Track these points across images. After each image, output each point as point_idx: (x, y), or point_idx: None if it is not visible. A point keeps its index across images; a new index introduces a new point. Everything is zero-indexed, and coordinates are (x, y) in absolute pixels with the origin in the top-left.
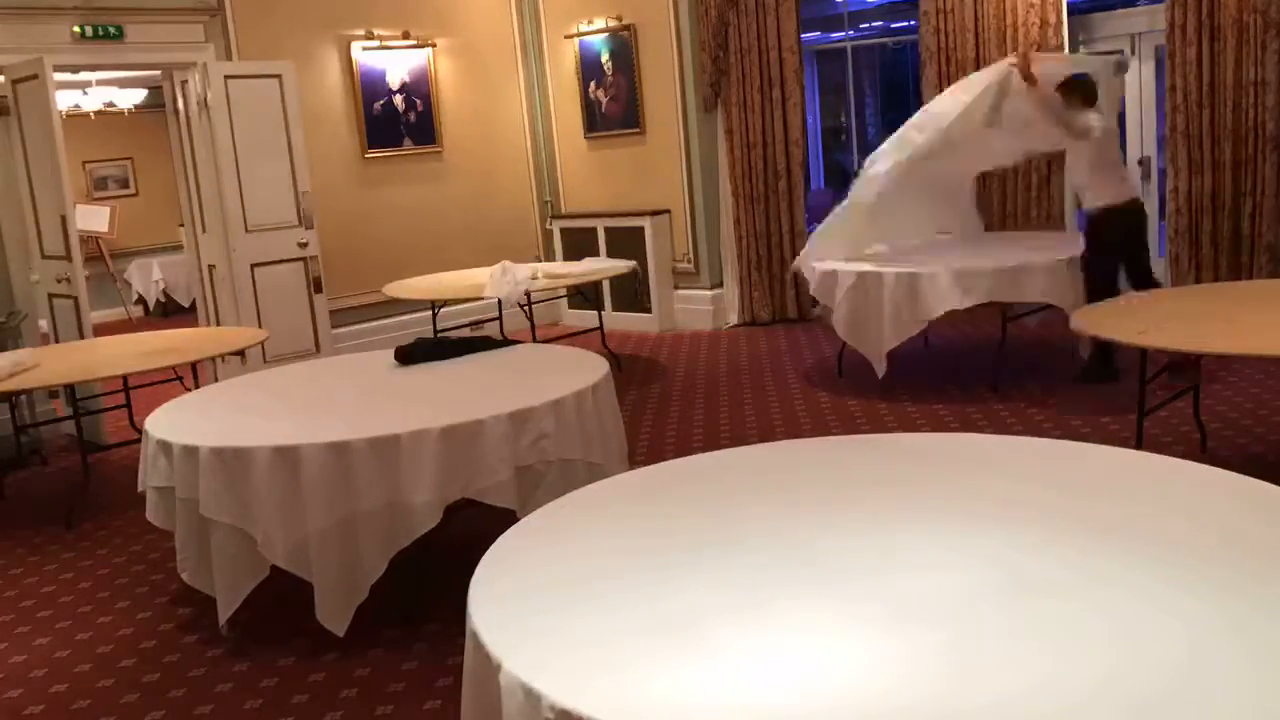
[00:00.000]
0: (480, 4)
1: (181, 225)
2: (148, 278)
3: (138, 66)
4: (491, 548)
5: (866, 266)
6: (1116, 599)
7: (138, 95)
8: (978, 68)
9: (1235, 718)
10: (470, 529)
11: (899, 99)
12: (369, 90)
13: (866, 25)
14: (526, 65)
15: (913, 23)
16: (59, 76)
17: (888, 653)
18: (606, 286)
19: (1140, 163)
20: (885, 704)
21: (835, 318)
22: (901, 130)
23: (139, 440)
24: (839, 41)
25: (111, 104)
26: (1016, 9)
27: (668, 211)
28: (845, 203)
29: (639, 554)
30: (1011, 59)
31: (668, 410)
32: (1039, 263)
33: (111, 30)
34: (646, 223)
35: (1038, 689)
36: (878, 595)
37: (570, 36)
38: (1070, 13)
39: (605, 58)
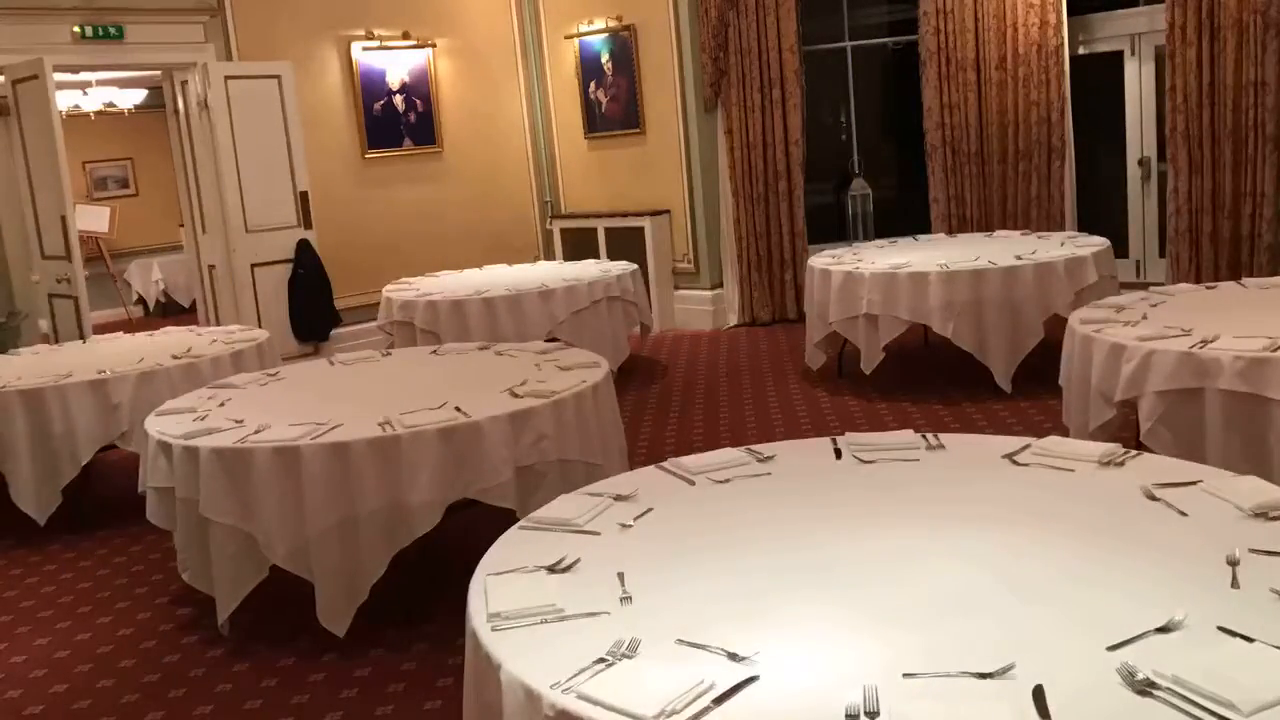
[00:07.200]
0: (480, 4)
1: (181, 225)
2: (148, 278)
3: (138, 67)
4: (491, 548)
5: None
6: (1116, 601)
7: (138, 95)
8: (978, 68)
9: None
10: (470, 529)
11: (900, 100)
12: (369, 90)
13: (867, 24)
14: (526, 65)
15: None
16: (59, 76)
17: (886, 653)
18: None
19: (1140, 163)
20: (881, 705)
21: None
22: None
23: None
24: (838, 43)
25: (111, 104)
26: (1016, 9)
27: (668, 211)
28: None
29: (638, 554)
30: None
31: (668, 410)
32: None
33: (111, 30)
34: (646, 223)
35: (1034, 690)
36: (877, 596)
37: (570, 36)
38: (1070, 13)
39: (605, 58)
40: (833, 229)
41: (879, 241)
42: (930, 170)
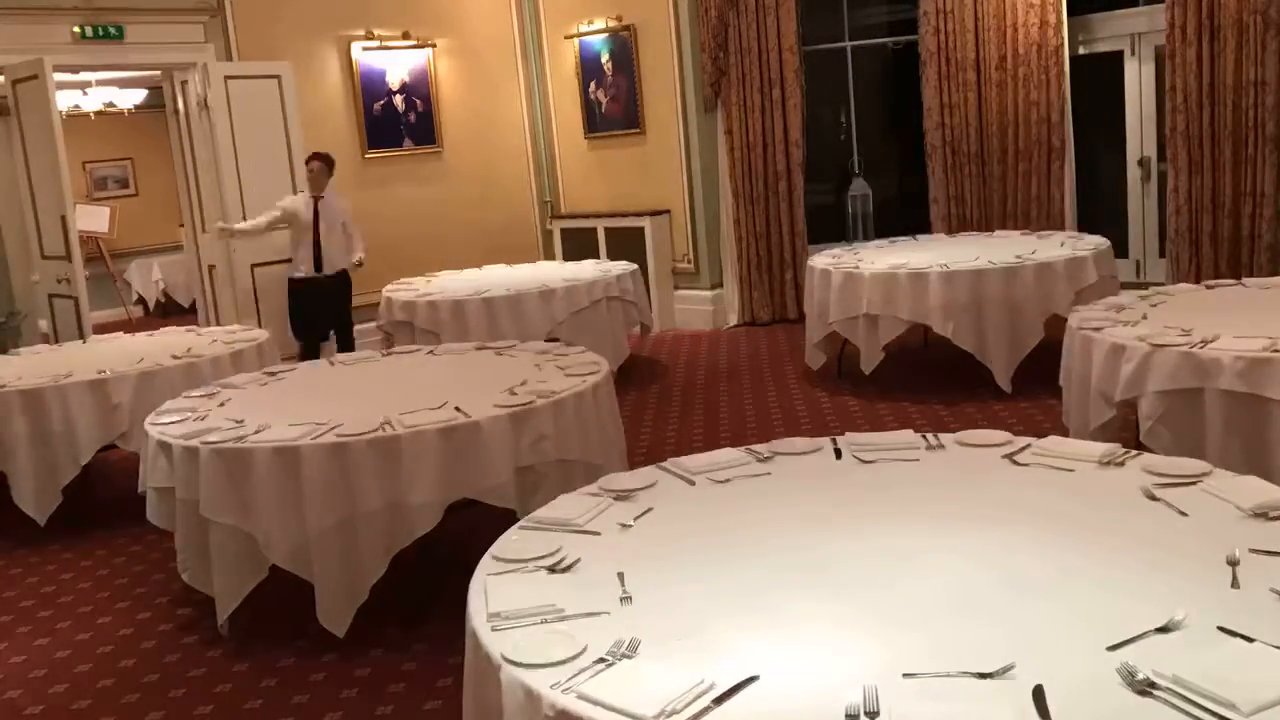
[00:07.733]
0: (480, 4)
1: (181, 225)
2: (148, 278)
3: (138, 67)
4: (491, 548)
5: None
6: (1116, 601)
7: (138, 95)
8: (978, 68)
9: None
10: (470, 529)
11: (900, 100)
12: (369, 90)
13: (867, 24)
14: (526, 65)
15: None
16: (59, 76)
17: (886, 653)
18: None
19: (1140, 163)
20: (881, 705)
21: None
22: None
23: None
24: (838, 43)
25: (111, 104)
26: (1016, 9)
27: (668, 211)
28: None
29: (638, 554)
30: None
31: (668, 410)
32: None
33: (111, 30)
34: (646, 223)
35: (1034, 690)
36: (877, 596)
37: (570, 36)
38: (1070, 13)
39: (605, 58)
40: (833, 229)
41: (879, 241)
42: (930, 170)
